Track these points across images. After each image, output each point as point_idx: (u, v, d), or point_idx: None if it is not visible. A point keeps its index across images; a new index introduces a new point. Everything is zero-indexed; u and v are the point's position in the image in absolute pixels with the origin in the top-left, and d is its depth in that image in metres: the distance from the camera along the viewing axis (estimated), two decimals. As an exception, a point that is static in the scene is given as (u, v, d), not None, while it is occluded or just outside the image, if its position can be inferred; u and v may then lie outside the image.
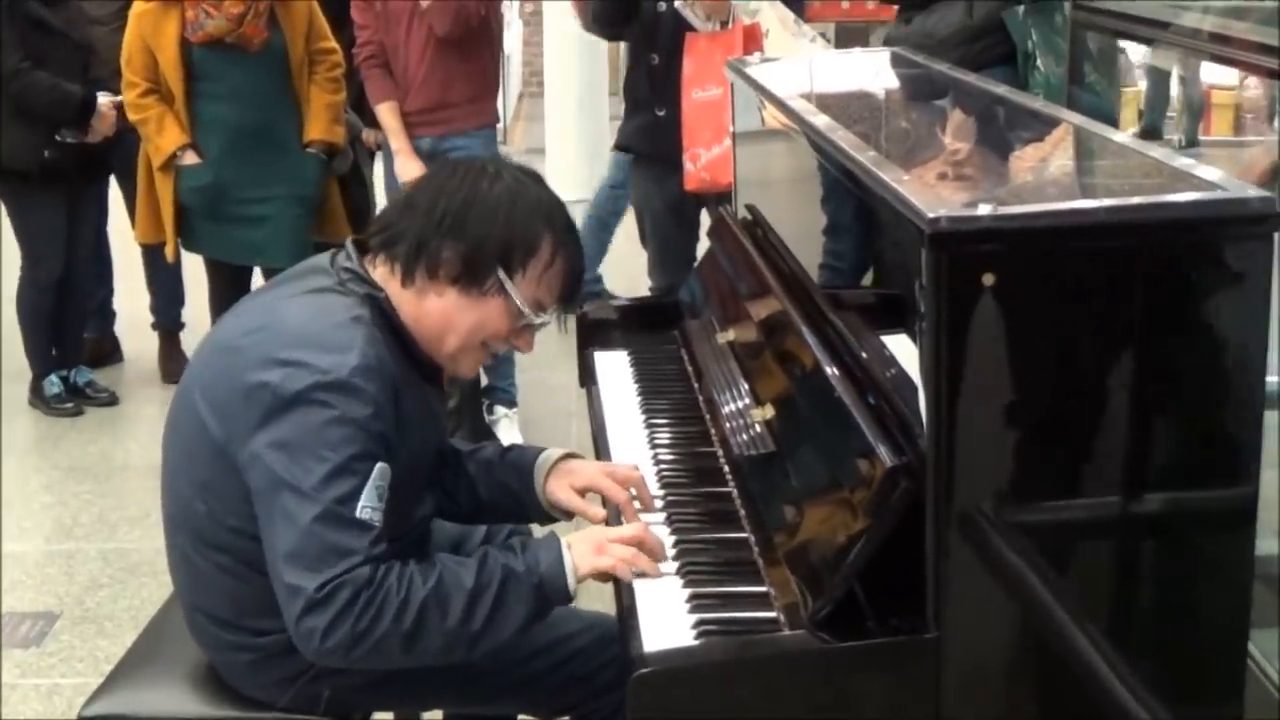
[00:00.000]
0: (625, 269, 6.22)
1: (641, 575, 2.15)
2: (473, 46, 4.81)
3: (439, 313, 2.21)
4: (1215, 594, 1.87)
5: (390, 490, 2.10)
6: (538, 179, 2.31)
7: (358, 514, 2.04)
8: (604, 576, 2.17)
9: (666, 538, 2.26)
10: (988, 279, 1.72)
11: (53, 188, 5.26)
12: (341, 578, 2.01)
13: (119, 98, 5.15)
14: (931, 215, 1.72)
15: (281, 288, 2.30)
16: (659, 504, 2.40)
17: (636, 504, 2.37)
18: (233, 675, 2.33)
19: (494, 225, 2.18)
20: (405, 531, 2.21)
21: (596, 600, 2.56)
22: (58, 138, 5.14)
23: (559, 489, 2.41)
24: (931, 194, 1.83)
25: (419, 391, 2.26)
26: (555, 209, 2.26)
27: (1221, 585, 1.87)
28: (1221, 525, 1.86)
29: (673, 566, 2.19)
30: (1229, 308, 1.77)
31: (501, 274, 2.19)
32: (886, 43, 4.12)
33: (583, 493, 2.41)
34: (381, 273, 2.24)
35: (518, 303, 2.21)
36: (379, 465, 2.07)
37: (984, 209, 1.73)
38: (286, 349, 2.10)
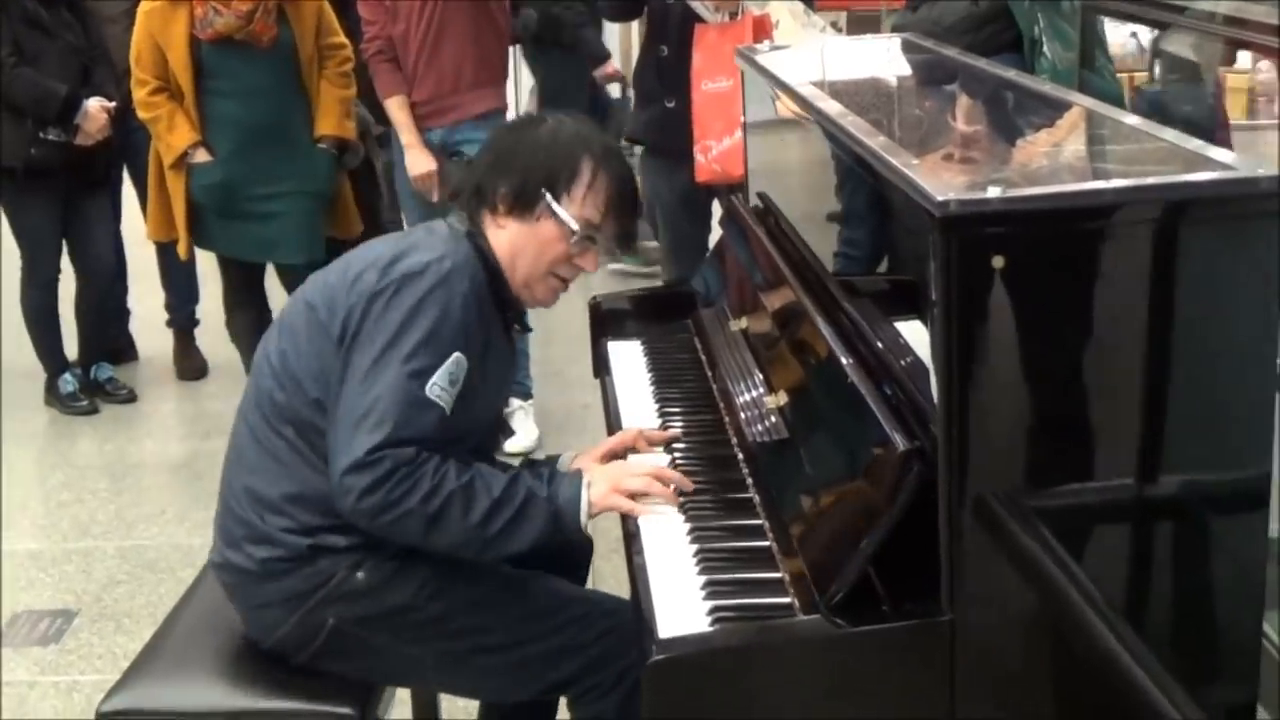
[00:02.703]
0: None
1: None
2: (478, 32, 4.81)
3: (506, 242, 2.46)
4: (1230, 576, 1.88)
5: (458, 400, 2.29)
6: (579, 119, 2.60)
7: (427, 390, 2.26)
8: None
9: (681, 525, 2.28)
10: (997, 261, 1.72)
11: (42, 186, 5.25)
12: (389, 449, 2.21)
13: (113, 103, 5.17)
14: (940, 198, 1.72)
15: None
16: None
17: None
18: (246, 582, 2.40)
19: (537, 158, 2.46)
20: None
21: (618, 588, 2.57)
22: (42, 135, 5.14)
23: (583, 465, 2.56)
24: (940, 177, 1.83)
25: (500, 334, 2.47)
26: (593, 136, 2.53)
27: (1236, 567, 1.87)
28: (1235, 507, 1.86)
29: (688, 551, 2.20)
30: (1239, 288, 1.77)
31: (549, 198, 2.43)
32: (894, 31, 4.11)
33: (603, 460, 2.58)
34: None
35: (566, 221, 2.42)
36: (456, 354, 2.29)
37: (993, 191, 1.72)
38: (394, 250, 2.38)
